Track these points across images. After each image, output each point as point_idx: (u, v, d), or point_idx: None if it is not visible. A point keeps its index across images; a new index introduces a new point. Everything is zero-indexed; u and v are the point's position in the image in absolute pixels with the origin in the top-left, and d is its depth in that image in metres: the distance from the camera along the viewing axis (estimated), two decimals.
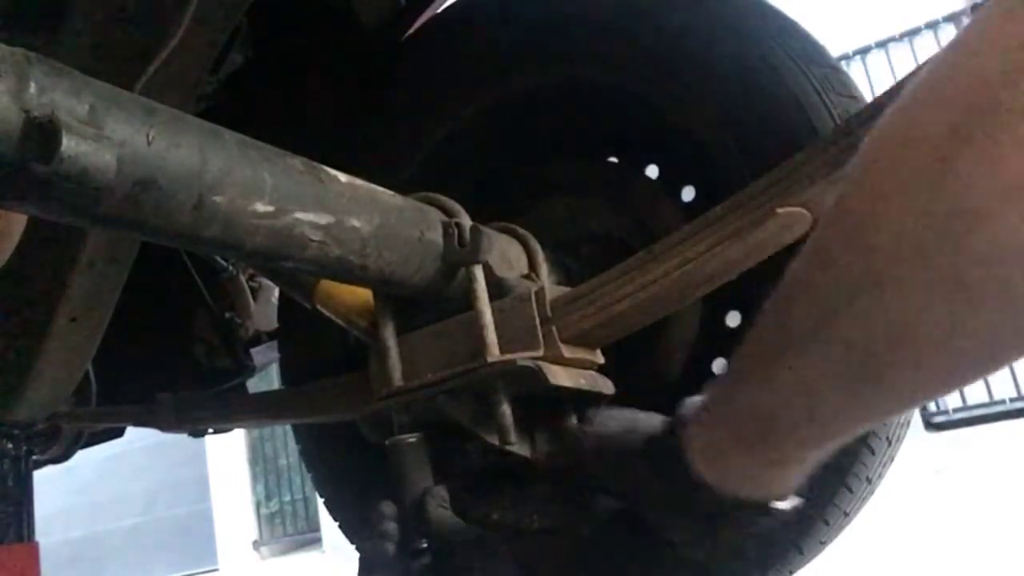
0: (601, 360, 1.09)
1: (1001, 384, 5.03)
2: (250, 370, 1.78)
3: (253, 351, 1.79)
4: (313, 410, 1.36)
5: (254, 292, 1.79)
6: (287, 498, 8.07)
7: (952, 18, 5.47)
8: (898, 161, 0.47)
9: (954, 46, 0.47)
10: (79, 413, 1.59)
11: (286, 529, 8.09)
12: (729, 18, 1.18)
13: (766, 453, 0.61)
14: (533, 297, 1.00)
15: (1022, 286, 0.44)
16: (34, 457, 1.70)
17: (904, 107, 0.49)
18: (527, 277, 1.12)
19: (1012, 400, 5.00)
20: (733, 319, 1.26)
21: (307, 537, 7.77)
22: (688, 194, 1.27)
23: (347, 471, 1.48)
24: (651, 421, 0.73)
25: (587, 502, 0.75)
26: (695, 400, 0.69)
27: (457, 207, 1.04)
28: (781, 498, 0.64)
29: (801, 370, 0.55)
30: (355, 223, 0.87)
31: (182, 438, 1.68)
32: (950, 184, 0.44)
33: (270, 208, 0.77)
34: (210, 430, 1.61)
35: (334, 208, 0.85)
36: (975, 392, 5.11)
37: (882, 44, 5.69)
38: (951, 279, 0.45)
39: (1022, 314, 0.45)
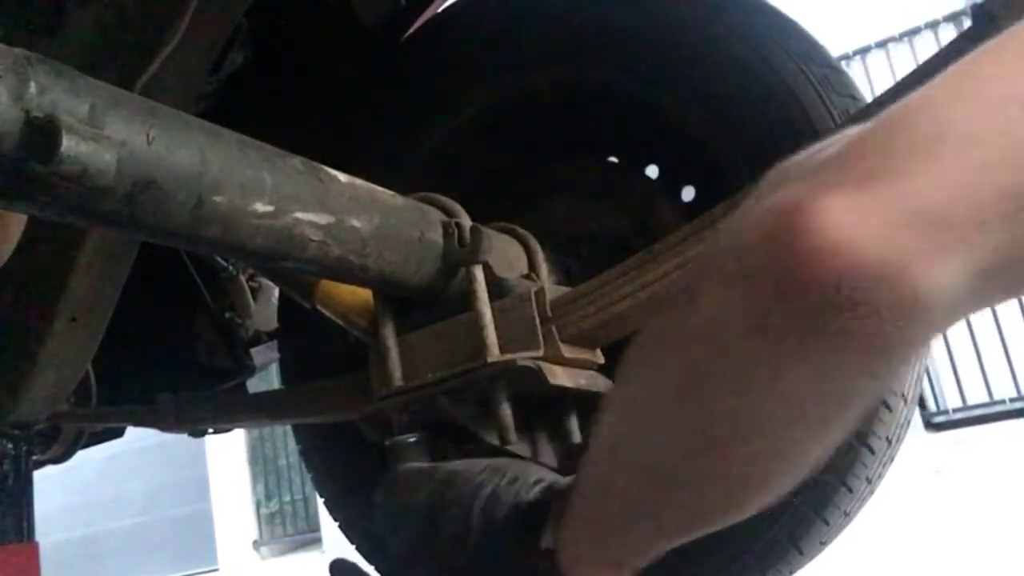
0: (601, 360, 1.09)
1: (1001, 384, 5.03)
2: (250, 370, 1.78)
3: (253, 351, 1.79)
4: (313, 410, 1.36)
5: (254, 292, 1.79)
6: (287, 498, 8.06)
7: (952, 18, 5.46)
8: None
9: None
10: (79, 413, 1.59)
11: (286, 529, 8.09)
12: (730, 19, 1.18)
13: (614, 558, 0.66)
14: (533, 297, 1.00)
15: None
16: (34, 457, 1.70)
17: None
18: (527, 277, 1.12)
19: (1012, 400, 5.00)
20: None
21: (307, 537, 7.77)
22: (688, 194, 1.27)
23: (347, 471, 1.48)
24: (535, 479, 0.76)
25: None
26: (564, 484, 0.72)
27: (457, 207, 1.04)
28: None
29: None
30: (355, 223, 0.87)
31: (182, 438, 1.68)
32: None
33: (270, 208, 0.77)
34: (210, 430, 1.61)
35: (334, 208, 0.85)
36: (975, 392, 5.12)
37: (882, 44, 5.69)
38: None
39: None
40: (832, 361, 0.47)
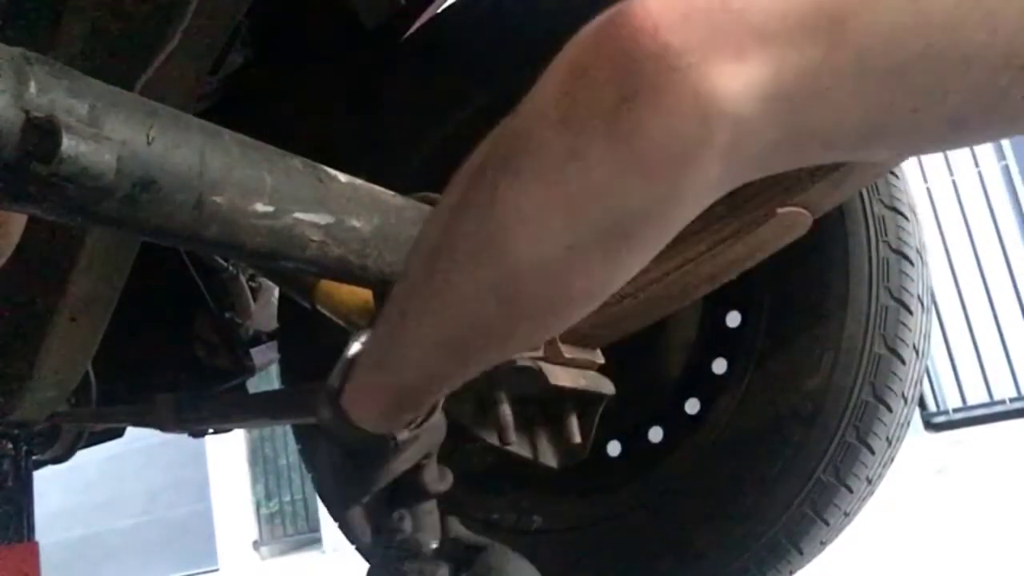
0: (601, 360, 1.09)
1: (1001, 384, 5.03)
2: (250, 370, 1.78)
3: (253, 351, 1.79)
4: (313, 410, 1.36)
5: (254, 292, 1.79)
6: (287, 498, 8.06)
7: None
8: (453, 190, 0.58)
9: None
10: (79, 413, 1.59)
11: (286, 529, 8.08)
12: None
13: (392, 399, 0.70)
14: None
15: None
16: (34, 457, 1.70)
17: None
18: None
19: (1012, 400, 5.00)
20: (733, 319, 1.26)
21: (307, 537, 7.77)
22: None
23: None
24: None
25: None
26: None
27: None
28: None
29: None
30: (355, 223, 0.87)
31: (182, 438, 1.68)
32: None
33: (270, 208, 0.77)
34: (210, 430, 1.61)
35: (334, 208, 0.85)
36: (975, 392, 5.12)
37: None
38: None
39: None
40: (622, 161, 0.45)
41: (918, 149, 0.53)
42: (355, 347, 0.74)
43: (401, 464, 0.76)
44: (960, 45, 0.40)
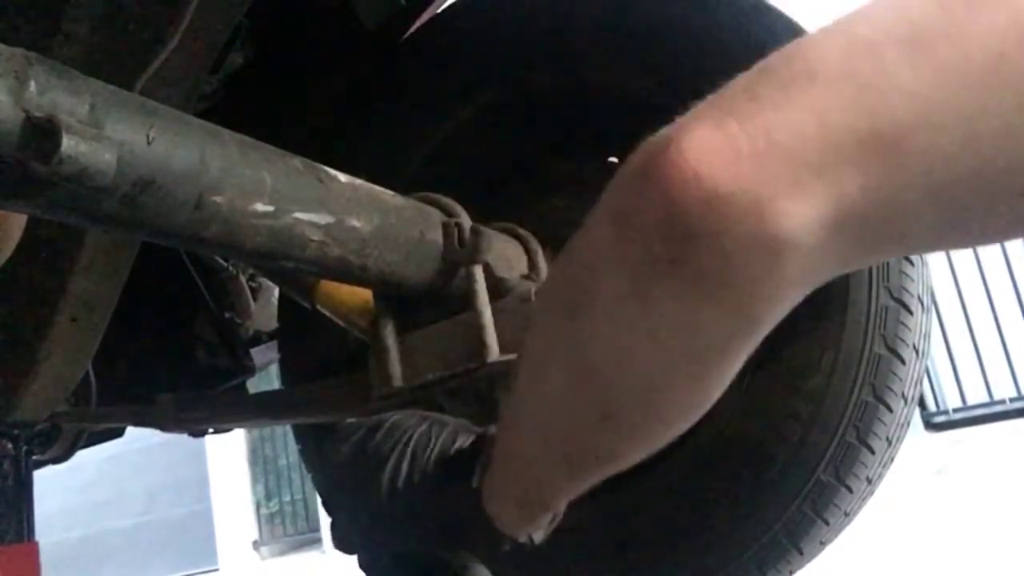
0: None
1: (1001, 384, 5.03)
2: (250, 370, 1.78)
3: (253, 351, 1.79)
4: (313, 410, 1.36)
5: (254, 292, 1.79)
6: (287, 498, 8.06)
7: None
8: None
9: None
10: (79, 413, 1.59)
11: (286, 529, 8.08)
12: (730, 19, 1.18)
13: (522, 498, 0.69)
14: (533, 297, 1.00)
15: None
16: (34, 457, 1.70)
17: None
18: (527, 277, 1.12)
19: (1012, 400, 5.00)
20: None
21: (307, 537, 7.77)
22: None
23: None
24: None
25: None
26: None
27: (457, 207, 1.04)
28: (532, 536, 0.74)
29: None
30: (355, 223, 0.87)
31: (182, 438, 1.68)
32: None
33: (270, 208, 0.77)
34: (210, 430, 1.61)
35: (334, 208, 0.85)
36: (975, 392, 5.11)
37: None
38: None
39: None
40: (693, 298, 0.46)
41: (996, 239, 0.53)
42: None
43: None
44: (1014, 157, 0.41)
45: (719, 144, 0.43)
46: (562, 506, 0.72)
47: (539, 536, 0.73)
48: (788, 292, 0.46)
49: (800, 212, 0.42)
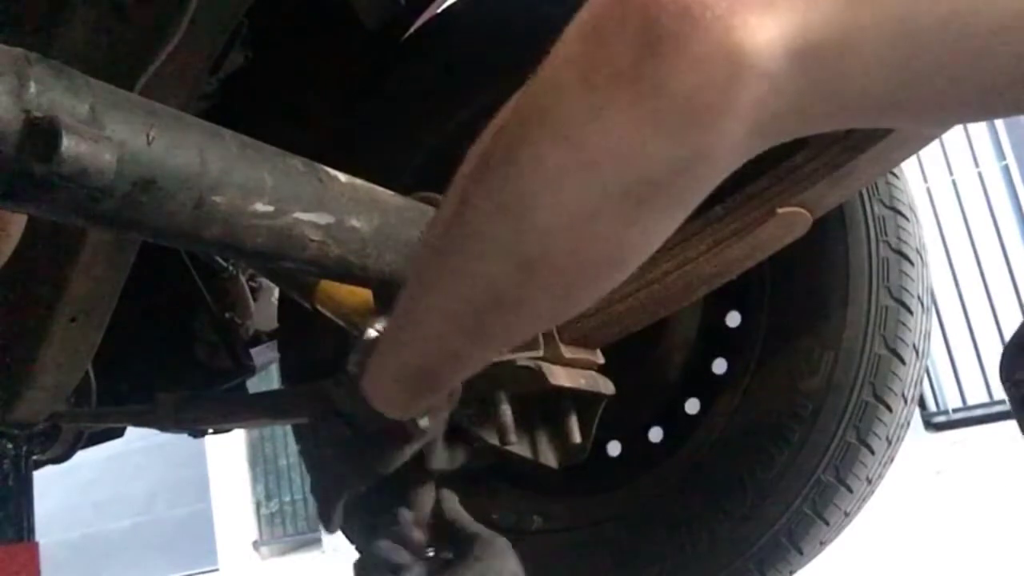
0: (601, 360, 1.09)
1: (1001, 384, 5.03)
2: (250, 370, 1.78)
3: (253, 351, 1.79)
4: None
5: (254, 292, 1.79)
6: (287, 498, 8.06)
7: None
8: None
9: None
10: (79, 413, 1.59)
11: (286, 529, 8.08)
12: None
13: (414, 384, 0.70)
14: None
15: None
16: (34, 457, 1.70)
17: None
18: None
19: None
20: (733, 319, 1.26)
21: (307, 537, 7.77)
22: None
23: None
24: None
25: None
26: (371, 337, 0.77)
27: None
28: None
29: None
30: (355, 223, 0.87)
31: (182, 438, 1.68)
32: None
33: (270, 208, 0.77)
34: (210, 430, 1.61)
35: (334, 208, 0.85)
36: (975, 392, 5.12)
37: None
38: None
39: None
40: (644, 120, 0.44)
41: (946, 120, 0.52)
42: (374, 331, 0.74)
43: (412, 449, 0.75)
44: (994, 11, 0.40)
45: None
46: (457, 382, 0.72)
47: (424, 422, 0.74)
48: (738, 129, 0.44)
49: (766, 27, 0.41)
